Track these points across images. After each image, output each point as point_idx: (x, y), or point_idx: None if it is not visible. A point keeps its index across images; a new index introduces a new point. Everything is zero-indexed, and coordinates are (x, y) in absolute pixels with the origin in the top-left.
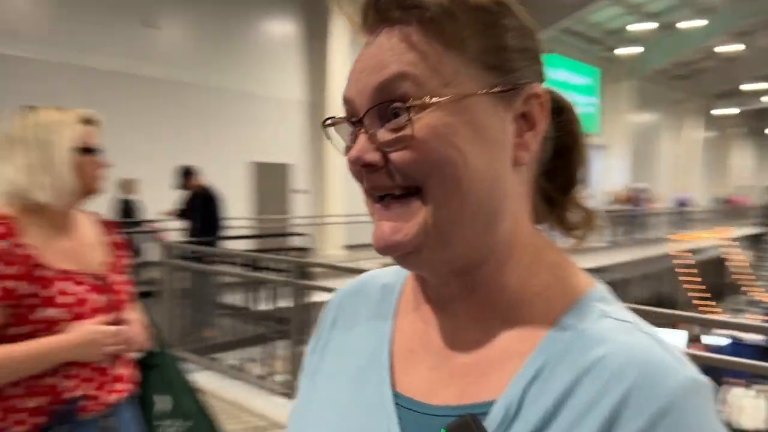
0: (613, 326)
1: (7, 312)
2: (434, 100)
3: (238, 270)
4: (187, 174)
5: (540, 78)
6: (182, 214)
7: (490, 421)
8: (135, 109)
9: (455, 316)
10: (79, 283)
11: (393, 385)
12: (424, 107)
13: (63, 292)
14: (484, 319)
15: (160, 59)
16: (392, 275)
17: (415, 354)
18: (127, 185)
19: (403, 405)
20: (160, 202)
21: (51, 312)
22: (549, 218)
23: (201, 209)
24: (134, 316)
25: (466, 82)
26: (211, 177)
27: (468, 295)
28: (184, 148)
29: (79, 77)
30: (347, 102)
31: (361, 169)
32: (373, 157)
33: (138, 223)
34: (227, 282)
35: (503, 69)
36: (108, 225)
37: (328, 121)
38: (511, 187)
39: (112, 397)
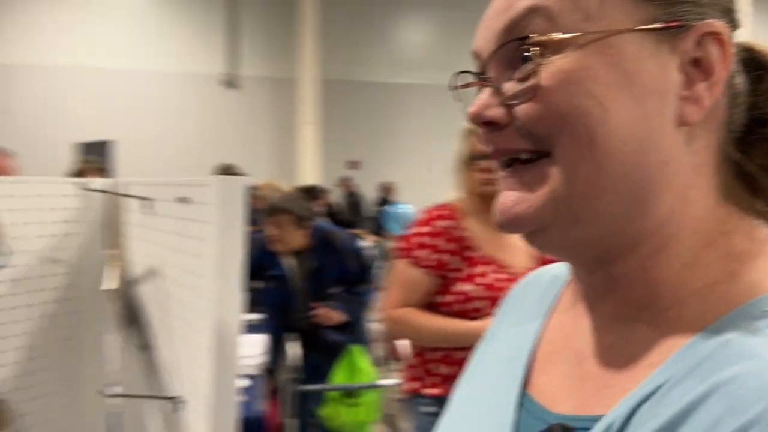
0: None
1: (438, 282)
2: (569, 35)
3: None
4: None
5: (726, 17)
6: None
7: None
8: None
9: (597, 314)
10: (497, 271)
11: (527, 386)
12: (557, 47)
13: (482, 274)
14: (626, 320)
15: None
16: (565, 266)
17: (556, 355)
18: None
19: (528, 408)
20: None
21: (468, 287)
22: (749, 203)
23: None
24: None
25: (614, 15)
26: None
27: (611, 290)
28: None
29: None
30: (476, 57)
31: (485, 129)
32: (496, 112)
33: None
34: None
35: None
36: None
37: (458, 81)
38: (673, 153)
39: None
